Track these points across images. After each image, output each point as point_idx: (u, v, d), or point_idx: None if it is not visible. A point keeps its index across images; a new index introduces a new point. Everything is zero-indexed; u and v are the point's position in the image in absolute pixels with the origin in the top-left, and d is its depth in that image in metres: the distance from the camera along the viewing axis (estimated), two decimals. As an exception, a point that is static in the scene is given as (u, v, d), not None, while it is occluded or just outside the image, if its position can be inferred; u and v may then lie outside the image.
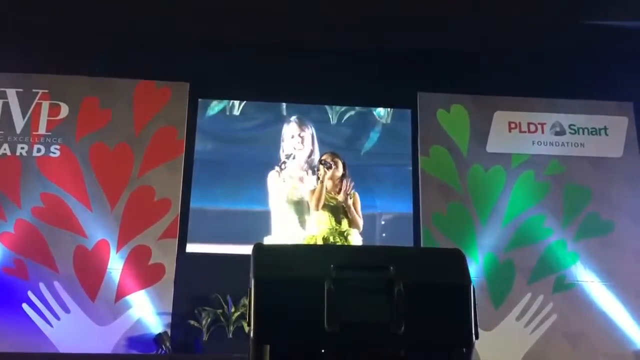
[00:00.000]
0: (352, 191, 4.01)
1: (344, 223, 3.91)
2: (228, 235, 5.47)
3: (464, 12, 5.28)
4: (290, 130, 5.81)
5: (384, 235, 5.66)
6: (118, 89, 5.68)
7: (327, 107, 5.95)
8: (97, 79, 5.67)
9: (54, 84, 5.65)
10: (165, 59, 5.69)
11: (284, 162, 5.63)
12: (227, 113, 5.89)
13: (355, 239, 3.94)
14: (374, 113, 5.99)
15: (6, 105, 5.54)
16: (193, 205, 5.56)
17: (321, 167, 3.95)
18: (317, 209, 3.89)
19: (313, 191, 3.98)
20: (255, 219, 5.56)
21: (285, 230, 5.47)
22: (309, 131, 5.80)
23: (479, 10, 5.26)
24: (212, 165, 5.74)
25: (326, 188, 3.94)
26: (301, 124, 5.82)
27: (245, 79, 5.70)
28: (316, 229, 3.95)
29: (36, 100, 5.58)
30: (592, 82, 5.84)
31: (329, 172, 3.93)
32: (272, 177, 5.65)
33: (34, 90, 5.61)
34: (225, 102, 5.88)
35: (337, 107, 5.94)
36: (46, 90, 5.62)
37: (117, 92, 5.67)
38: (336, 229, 3.88)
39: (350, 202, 3.95)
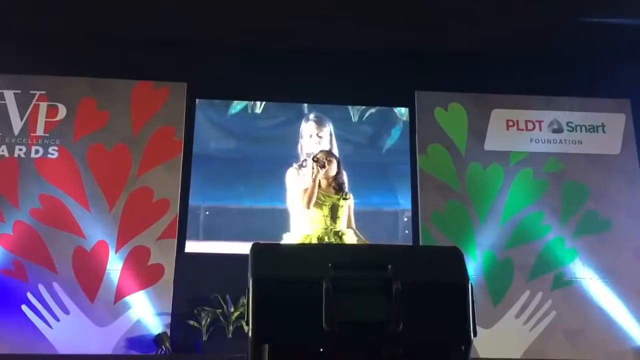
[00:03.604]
0: (348, 192, 4.00)
1: (339, 223, 3.90)
2: (249, 233, 5.44)
3: (461, 11, 5.28)
4: (308, 129, 5.82)
5: (406, 232, 5.67)
6: (116, 89, 5.68)
7: (348, 105, 5.97)
8: (95, 80, 5.67)
9: (52, 86, 5.65)
10: (163, 59, 5.68)
11: (305, 160, 5.60)
12: (249, 111, 5.90)
13: (350, 239, 3.93)
14: (395, 111, 6.00)
15: (4, 107, 5.53)
16: (211, 203, 5.59)
17: (314, 165, 3.93)
18: (309, 207, 3.87)
19: (306, 190, 3.96)
20: (277, 217, 5.55)
21: (304, 227, 5.48)
22: (327, 130, 5.81)
23: (476, 9, 5.26)
24: (234, 163, 5.75)
25: (319, 187, 3.92)
26: (319, 123, 5.82)
27: (243, 79, 5.71)
28: (310, 228, 3.94)
29: (34, 102, 5.58)
30: (589, 79, 5.85)
31: (322, 171, 3.91)
32: (291, 173, 5.65)
33: (31, 91, 5.61)
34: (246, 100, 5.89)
35: (358, 105, 5.95)
36: (44, 92, 5.62)
37: (115, 92, 5.67)
38: (331, 229, 3.87)
39: (346, 203, 3.94)
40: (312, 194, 3.86)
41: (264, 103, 5.89)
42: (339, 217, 3.91)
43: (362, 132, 5.92)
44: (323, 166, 3.90)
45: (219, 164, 5.72)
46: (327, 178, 3.96)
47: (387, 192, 5.74)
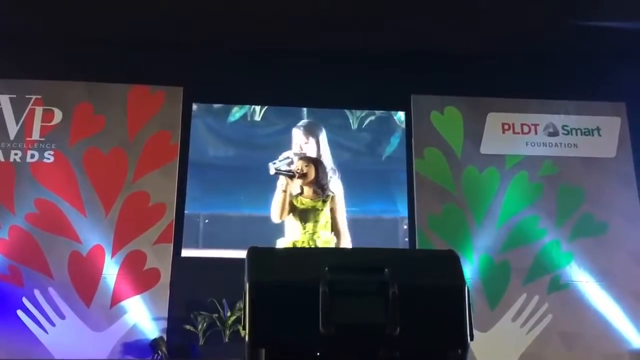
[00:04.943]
0: (330, 194, 3.99)
1: (318, 226, 3.88)
2: (249, 241, 5.35)
3: (457, 14, 5.30)
4: (296, 138, 5.77)
5: (406, 240, 5.66)
6: (112, 93, 5.67)
7: (347, 112, 5.94)
8: (91, 84, 5.65)
9: (48, 90, 5.63)
10: (159, 63, 5.69)
11: (274, 162, 5.45)
12: (249, 119, 5.87)
13: (323, 239, 3.90)
14: (395, 118, 6.00)
15: (-1, 112, 5.53)
16: (211, 211, 5.57)
17: (282, 176, 3.93)
18: (280, 219, 3.89)
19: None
20: (277, 224, 5.47)
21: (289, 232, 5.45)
22: (313, 139, 5.76)
23: (472, 13, 5.28)
24: (234, 171, 5.73)
25: (302, 193, 3.93)
26: (307, 132, 5.77)
27: (240, 83, 5.71)
28: (293, 233, 3.96)
29: (29, 106, 5.57)
30: (584, 82, 5.87)
31: (293, 181, 3.91)
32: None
33: (27, 96, 5.59)
34: (246, 107, 5.86)
35: (358, 112, 5.95)
36: (39, 96, 5.60)
37: (111, 97, 5.65)
38: (307, 232, 3.87)
39: (326, 205, 3.92)
40: (283, 205, 3.87)
41: (263, 110, 5.88)
42: (317, 221, 3.90)
43: (361, 139, 5.92)
44: (292, 177, 3.88)
45: (219, 171, 5.70)
46: (307, 185, 3.96)
47: (387, 199, 5.73)
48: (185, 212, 5.57)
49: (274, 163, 5.08)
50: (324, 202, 3.92)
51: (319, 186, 3.96)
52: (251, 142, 5.82)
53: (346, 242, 4.09)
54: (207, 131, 5.83)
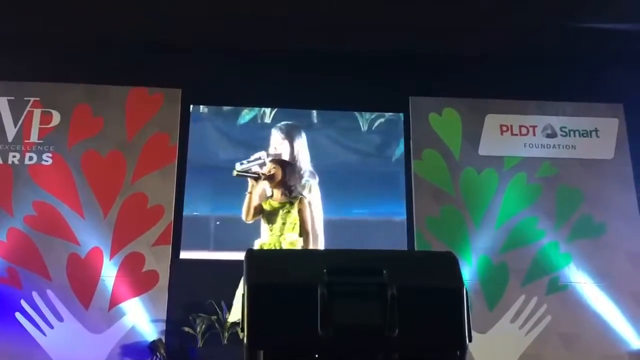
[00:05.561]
0: (299, 196, 4.01)
1: (285, 229, 3.91)
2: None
3: (454, 16, 5.30)
4: (273, 137, 5.75)
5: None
6: (110, 96, 5.67)
7: (357, 114, 5.93)
8: (89, 86, 5.66)
9: (46, 92, 5.63)
10: (158, 65, 5.68)
11: (242, 163, 5.16)
12: (259, 121, 5.86)
13: (289, 241, 3.92)
14: (403, 120, 5.98)
15: (-3, 114, 5.52)
16: (223, 213, 5.53)
17: (249, 178, 3.97)
18: (247, 220, 3.93)
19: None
20: None
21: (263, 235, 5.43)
22: (287, 141, 5.72)
23: (470, 15, 5.28)
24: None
25: (271, 197, 3.97)
26: (282, 134, 5.73)
27: (238, 85, 5.71)
28: (263, 236, 4.00)
29: (28, 108, 5.57)
30: (582, 84, 5.88)
31: (259, 183, 3.94)
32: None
33: (25, 98, 5.59)
34: (256, 110, 5.85)
35: (367, 114, 5.93)
36: (38, 98, 5.60)
37: (110, 99, 5.66)
38: (274, 234, 3.90)
39: (294, 207, 3.95)
40: (248, 206, 3.91)
41: (273, 113, 5.86)
42: (284, 223, 3.93)
43: (371, 141, 5.91)
44: (257, 178, 3.93)
45: (229, 173, 5.65)
46: (275, 186, 4.00)
47: (395, 201, 5.72)
48: (196, 214, 5.55)
49: (242, 164, 5.04)
50: (292, 204, 3.95)
51: (286, 188, 4.00)
52: (261, 144, 5.77)
53: (317, 245, 4.12)
54: (217, 133, 5.80)
